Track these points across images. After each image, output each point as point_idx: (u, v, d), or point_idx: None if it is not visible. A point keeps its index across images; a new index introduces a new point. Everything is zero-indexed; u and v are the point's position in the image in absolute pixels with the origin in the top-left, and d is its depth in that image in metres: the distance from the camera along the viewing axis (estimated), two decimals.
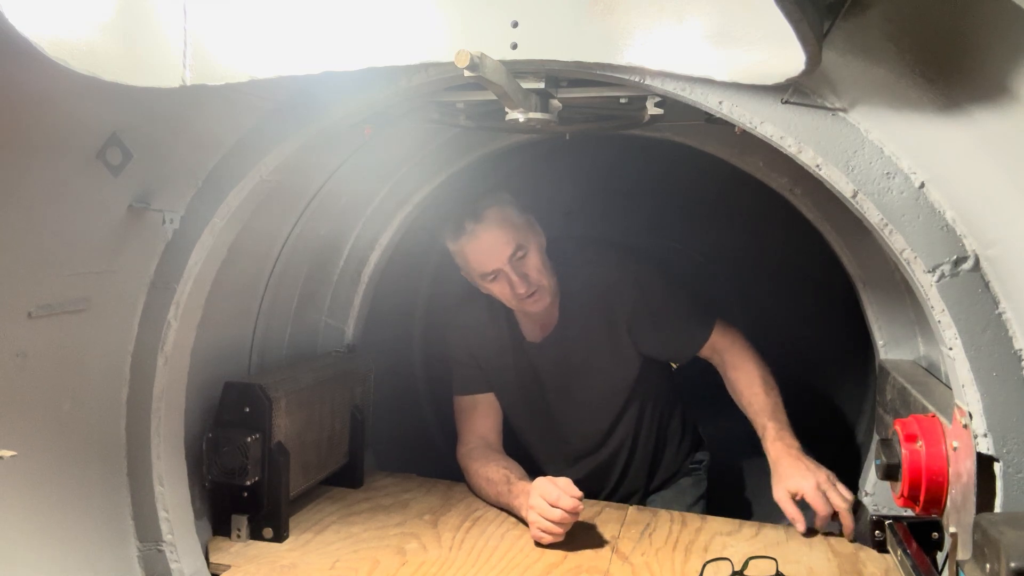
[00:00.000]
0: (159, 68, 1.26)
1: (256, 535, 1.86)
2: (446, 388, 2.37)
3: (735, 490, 2.96)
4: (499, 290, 2.05)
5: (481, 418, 2.24)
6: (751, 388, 2.07)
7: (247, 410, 1.81)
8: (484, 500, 2.11)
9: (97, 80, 1.19)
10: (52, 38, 1.12)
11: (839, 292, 2.28)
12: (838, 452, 2.80)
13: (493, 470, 2.06)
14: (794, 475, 1.84)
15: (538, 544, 1.84)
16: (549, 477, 1.84)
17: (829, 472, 1.84)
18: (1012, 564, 0.84)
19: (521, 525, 1.94)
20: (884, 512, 1.66)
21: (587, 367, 2.21)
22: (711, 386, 2.67)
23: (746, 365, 2.11)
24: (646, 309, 2.13)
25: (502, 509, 2.04)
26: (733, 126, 1.36)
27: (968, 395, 1.22)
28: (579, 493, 1.79)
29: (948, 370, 1.31)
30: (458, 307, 2.34)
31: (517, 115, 1.48)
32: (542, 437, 2.35)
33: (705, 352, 2.18)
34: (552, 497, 1.78)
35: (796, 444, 1.92)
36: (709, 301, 2.20)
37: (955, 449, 1.26)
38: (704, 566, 1.71)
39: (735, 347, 2.15)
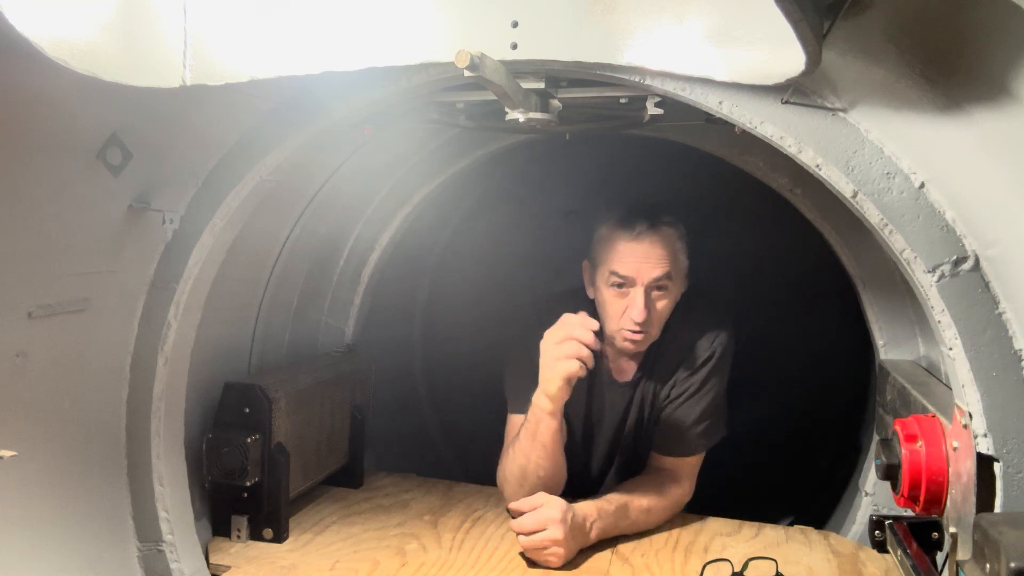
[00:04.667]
0: (159, 68, 1.26)
1: (256, 536, 1.86)
2: (446, 388, 2.35)
3: (735, 490, 2.96)
4: (613, 304, 1.87)
5: None
6: (633, 492, 1.91)
7: (247, 411, 1.81)
8: (520, 473, 1.89)
9: (97, 80, 1.19)
10: (52, 38, 1.12)
11: (839, 292, 2.27)
12: (838, 452, 2.80)
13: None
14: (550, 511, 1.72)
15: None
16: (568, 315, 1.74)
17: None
18: (1012, 564, 0.84)
19: None
20: (884, 512, 1.66)
21: (627, 419, 2.10)
22: None
23: (659, 488, 1.94)
24: (691, 377, 2.00)
25: (535, 460, 1.85)
26: (733, 126, 1.36)
27: (968, 395, 1.22)
28: (596, 325, 1.71)
29: (948, 370, 1.31)
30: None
31: (517, 115, 1.48)
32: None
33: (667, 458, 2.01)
34: (570, 325, 1.69)
35: (587, 520, 1.79)
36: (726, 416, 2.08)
37: (955, 449, 1.26)
38: (704, 567, 1.71)
39: (682, 468, 2.00)
